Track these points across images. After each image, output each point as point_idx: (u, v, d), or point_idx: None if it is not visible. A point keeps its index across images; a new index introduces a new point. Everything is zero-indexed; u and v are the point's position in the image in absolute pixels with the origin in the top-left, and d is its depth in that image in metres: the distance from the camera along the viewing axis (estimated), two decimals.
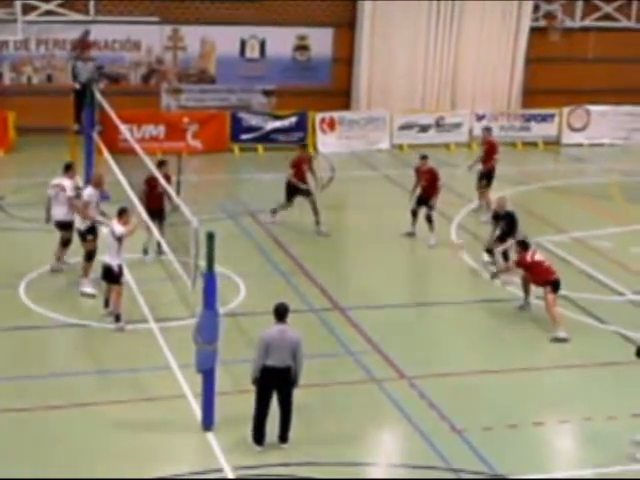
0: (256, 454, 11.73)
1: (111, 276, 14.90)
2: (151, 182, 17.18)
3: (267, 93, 28.20)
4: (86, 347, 14.51)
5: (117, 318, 14.85)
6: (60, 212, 16.64)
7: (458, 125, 28.20)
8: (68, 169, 17.14)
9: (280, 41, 27.81)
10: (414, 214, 19.55)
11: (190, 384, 12.97)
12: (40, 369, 13.63)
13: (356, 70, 28.36)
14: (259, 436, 11.79)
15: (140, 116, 25.52)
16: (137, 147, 17.75)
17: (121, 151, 20.79)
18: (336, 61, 28.53)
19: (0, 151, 24.76)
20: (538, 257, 15.87)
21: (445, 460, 11.83)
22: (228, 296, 15.83)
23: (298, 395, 13.11)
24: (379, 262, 18.64)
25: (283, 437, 11.91)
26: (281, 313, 11.83)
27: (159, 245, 17.06)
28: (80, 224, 16.23)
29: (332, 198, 22.58)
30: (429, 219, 19.38)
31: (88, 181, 17.79)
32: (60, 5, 25.96)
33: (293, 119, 26.91)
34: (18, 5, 25.19)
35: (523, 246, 16.00)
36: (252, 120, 26.72)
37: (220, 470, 11.40)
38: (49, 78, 26.63)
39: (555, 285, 15.63)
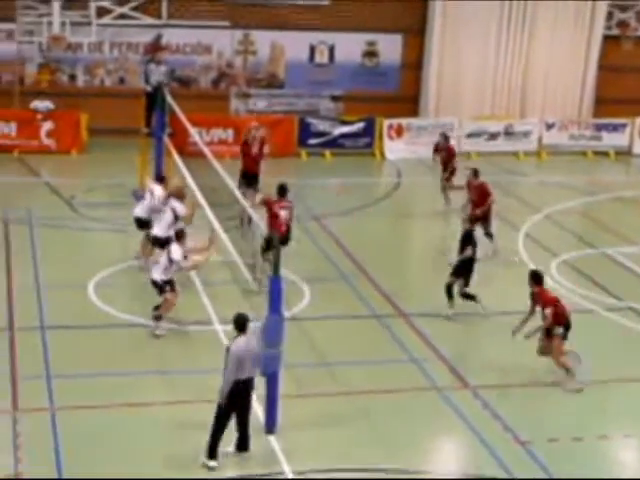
0: (315, 458, 11.73)
1: (157, 289, 14.97)
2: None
3: (335, 98, 28.24)
4: (151, 347, 14.65)
5: (157, 318, 14.93)
6: (139, 210, 17.24)
7: (527, 133, 27.94)
8: (162, 180, 17.70)
9: (349, 47, 27.84)
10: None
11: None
12: (106, 368, 13.81)
13: (425, 76, 28.27)
14: (215, 451, 11.54)
15: (209, 120, 25.77)
16: (206, 150, 17.94)
17: (190, 154, 21.03)
18: (405, 67, 28.46)
19: (73, 151, 25.17)
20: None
21: (508, 471, 11.72)
22: (292, 300, 15.88)
23: (361, 400, 13.16)
24: (444, 270, 18.50)
25: (246, 446, 11.76)
26: (242, 324, 11.55)
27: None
28: (163, 232, 16.35)
29: (398, 205, 22.58)
30: (489, 235, 18.86)
31: (159, 180, 18.04)
32: (134, 9, 26.32)
33: (361, 125, 26.90)
34: (92, 8, 25.60)
35: (537, 279, 14.09)
36: (320, 125, 26.80)
37: (282, 473, 11.45)
38: (121, 81, 27.03)
39: (568, 327, 13.90)
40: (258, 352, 11.61)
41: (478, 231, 18.45)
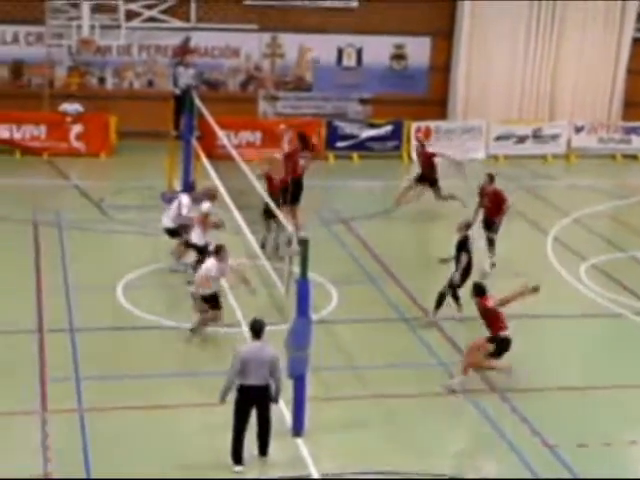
0: (342, 462, 11.72)
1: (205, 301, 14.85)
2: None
3: (363, 101, 28.24)
4: (179, 349, 14.69)
5: (192, 330, 14.84)
6: (166, 220, 17.30)
7: (556, 136, 27.81)
8: (191, 188, 17.46)
9: (377, 50, 27.85)
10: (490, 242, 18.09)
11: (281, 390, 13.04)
12: (133, 369, 13.88)
13: (453, 79, 28.22)
14: (238, 456, 11.49)
15: (237, 122, 25.83)
16: (234, 153, 18.00)
17: (218, 157, 21.10)
18: (433, 70, 28.43)
19: (102, 154, 25.32)
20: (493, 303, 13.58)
21: (535, 475, 11.68)
22: (320, 303, 15.88)
23: (388, 404, 13.15)
24: (474, 273, 18.45)
25: (264, 451, 11.71)
26: (257, 330, 11.47)
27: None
28: (199, 239, 16.37)
29: (426, 208, 22.50)
30: (491, 242, 18.00)
31: (188, 189, 18.02)
32: (162, 12, 26.44)
33: (389, 128, 26.88)
34: (122, 11, 25.73)
35: (479, 291, 13.65)
36: (347, 128, 26.80)
37: (308, 476, 11.45)
38: (150, 83, 27.17)
39: (502, 349, 13.41)
40: (273, 361, 11.37)
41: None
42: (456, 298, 15.86)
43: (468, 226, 16.03)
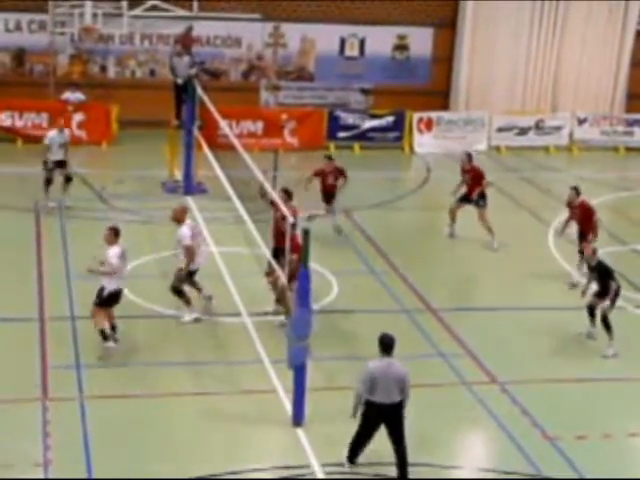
0: (342, 452, 11.70)
1: None
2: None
3: (365, 92, 28.22)
4: (179, 338, 14.70)
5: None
6: None
7: (558, 128, 27.78)
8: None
9: (380, 40, 27.81)
10: None
11: (281, 379, 13.05)
12: (134, 357, 13.93)
13: (455, 70, 28.19)
14: (353, 456, 11.36)
15: (239, 112, 25.79)
16: (236, 143, 17.96)
17: (220, 146, 21.06)
18: (435, 61, 28.39)
19: (103, 143, 25.28)
20: None
21: (535, 467, 11.69)
22: (321, 293, 15.87)
23: None
24: (473, 264, 18.49)
25: (403, 473, 11.16)
26: (387, 345, 10.97)
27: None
28: None
29: (427, 199, 22.54)
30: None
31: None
32: (165, 0, 26.36)
33: (390, 118, 26.85)
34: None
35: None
36: (349, 118, 26.76)
37: (308, 466, 11.46)
38: (152, 72, 27.12)
39: None
40: (403, 378, 10.92)
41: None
42: (607, 327, 14.98)
43: (595, 251, 15.22)
